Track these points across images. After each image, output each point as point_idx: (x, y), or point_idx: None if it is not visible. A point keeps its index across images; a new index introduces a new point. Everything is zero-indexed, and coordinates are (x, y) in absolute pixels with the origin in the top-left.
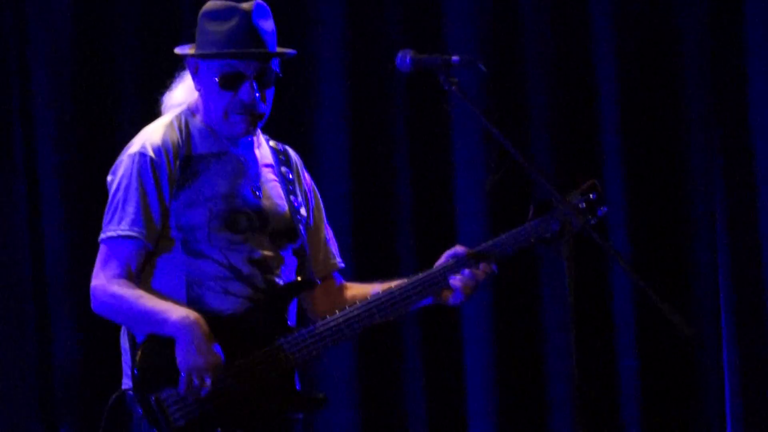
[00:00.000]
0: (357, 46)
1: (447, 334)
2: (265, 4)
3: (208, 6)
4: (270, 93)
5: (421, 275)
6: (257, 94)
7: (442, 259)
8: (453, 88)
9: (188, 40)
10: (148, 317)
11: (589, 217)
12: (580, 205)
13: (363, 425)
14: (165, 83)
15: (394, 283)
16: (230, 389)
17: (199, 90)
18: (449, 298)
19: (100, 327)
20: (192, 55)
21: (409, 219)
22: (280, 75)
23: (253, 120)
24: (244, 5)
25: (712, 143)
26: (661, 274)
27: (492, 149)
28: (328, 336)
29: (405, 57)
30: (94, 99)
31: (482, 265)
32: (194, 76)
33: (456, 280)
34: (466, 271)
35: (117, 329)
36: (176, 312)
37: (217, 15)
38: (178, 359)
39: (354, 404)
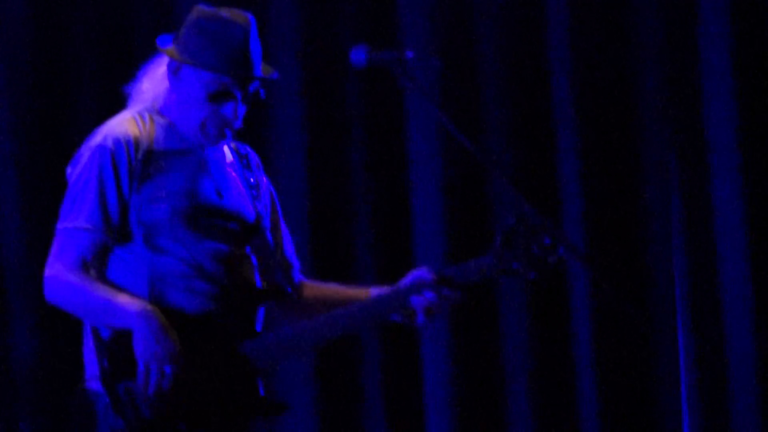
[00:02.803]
0: (311, 42)
1: (405, 332)
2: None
3: (203, 12)
4: (246, 110)
5: (385, 293)
6: (239, 113)
7: (407, 279)
8: (408, 83)
9: (146, 36)
10: (102, 308)
11: (540, 268)
12: (533, 250)
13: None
14: (123, 75)
15: (354, 291)
16: (195, 388)
17: (175, 91)
18: (414, 318)
19: (60, 321)
20: (180, 59)
21: (365, 215)
22: (263, 97)
23: (226, 134)
24: (240, 19)
25: (666, 137)
26: (617, 268)
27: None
28: (294, 344)
29: (360, 53)
30: (51, 91)
31: (446, 291)
32: (172, 76)
33: (419, 302)
34: (430, 294)
35: (77, 324)
36: (132, 303)
37: (214, 26)
38: (136, 350)
39: (311, 411)
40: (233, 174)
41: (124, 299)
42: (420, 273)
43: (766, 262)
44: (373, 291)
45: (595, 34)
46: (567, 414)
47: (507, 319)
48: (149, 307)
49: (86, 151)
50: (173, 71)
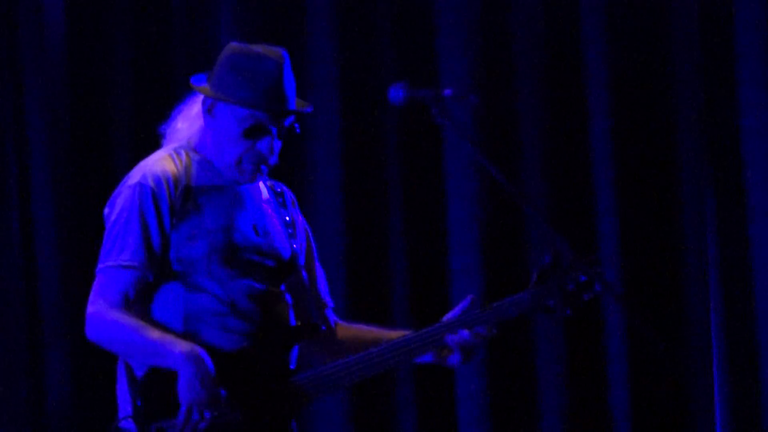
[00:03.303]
0: (349, 79)
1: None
2: (287, 54)
3: (236, 49)
4: (281, 145)
5: (420, 332)
6: (275, 148)
7: (446, 318)
8: (446, 121)
9: (182, 75)
10: (150, 348)
11: (575, 305)
12: (569, 287)
13: None
14: (158, 114)
15: (389, 333)
16: (229, 428)
17: (210, 128)
18: (447, 358)
19: (93, 360)
20: (215, 96)
21: (402, 253)
22: (298, 132)
23: (262, 170)
24: (273, 54)
25: (704, 173)
26: (653, 306)
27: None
28: (329, 382)
29: (398, 90)
30: (89, 129)
31: (481, 329)
32: (207, 114)
33: (454, 340)
34: (465, 332)
35: (110, 363)
36: (180, 345)
37: (247, 61)
38: (180, 392)
39: None
40: (269, 211)
41: (171, 340)
42: (461, 309)
43: None
44: (408, 334)
45: (633, 69)
46: None
47: (542, 356)
48: (197, 349)
49: (125, 189)
50: (208, 109)
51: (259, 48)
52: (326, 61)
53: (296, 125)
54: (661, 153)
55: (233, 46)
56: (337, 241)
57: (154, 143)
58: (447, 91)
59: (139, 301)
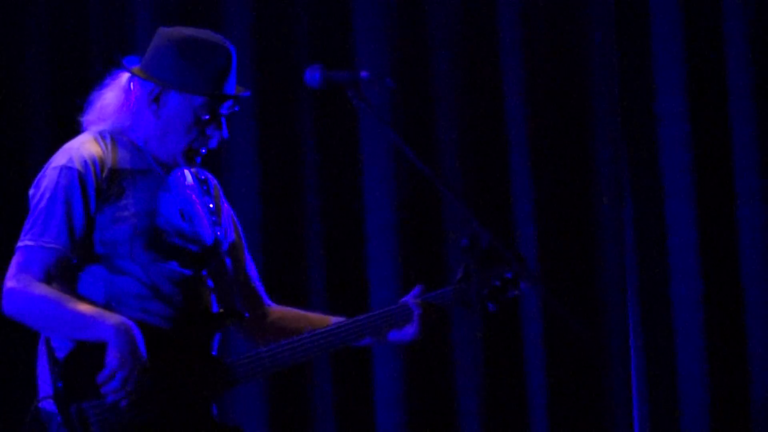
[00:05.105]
0: (264, 62)
1: (357, 356)
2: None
3: (178, 35)
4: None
5: (358, 319)
6: (224, 132)
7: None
8: (362, 103)
9: (97, 57)
10: (79, 320)
11: (500, 301)
12: (494, 284)
13: None
14: (75, 100)
15: (317, 317)
16: (149, 408)
17: (155, 116)
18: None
19: (13, 339)
20: (167, 86)
21: (318, 236)
22: (237, 110)
23: (203, 153)
24: (220, 42)
25: (620, 155)
26: (569, 288)
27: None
28: (252, 368)
29: (314, 72)
30: (3, 112)
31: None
32: (152, 102)
33: (418, 309)
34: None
35: (28, 344)
36: (111, 317)
37: (199, 50)
38: (108, 358)
39: None
40: (193, 197)
41: (101, 312)
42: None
43: (718, 280)
44: (334, 319)
45: (547, 54)
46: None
47: (459, 338)
48: (128, 322)
49: (51, 171)
50: (155, 97)
51: (201, 34)
52: (242, 42)
53: (236, 107)
54: (576, 134)
55: (173, 32)
56: (252, 224)
57: (71, 125)
58: (363, 74)
59: (61, 280)
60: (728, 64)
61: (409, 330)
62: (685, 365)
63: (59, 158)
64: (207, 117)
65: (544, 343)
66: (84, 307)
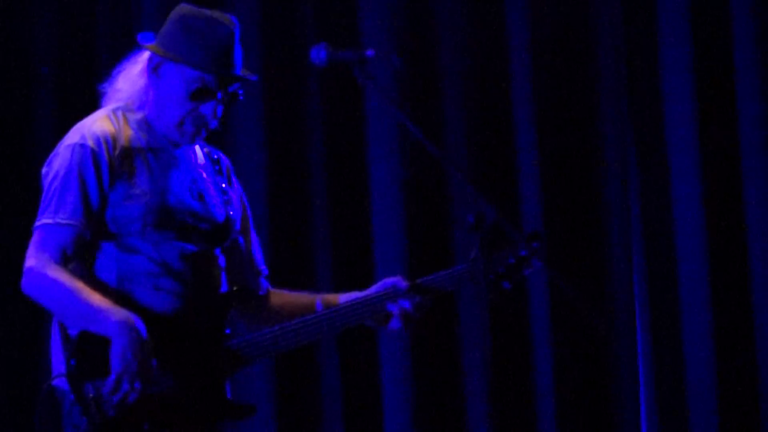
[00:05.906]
0: (270, 41)
1: (364, 347)
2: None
3: (188, 11)
4: (223, 111)
5: (360, 299)
6: (218, 112)
7: (378, 286)
8: (368, 82)
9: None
10: (85, 313)
11: (514, 279)
12: (509, 261)
13: None
14: (81, 78)
15: (323, 297)
16: (162, 389)
17: (154, 87)
18: (389, 322)
19: (28, 318)
20: (164, 55)
21: (324, 214)
22: (242, 98)
23: (202, 133)
24: (226, 20)
25: (626, 136)
26: (575, 269)
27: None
28: (264, 347)
29: (320, 51)
30: (11, 92)
31: (420, 299)
32: (152, 73)
33: (395, 309)
34: (405, 302)
35: (41, 326)
36: (116, 314)
37: (199, 24)
38: (112, 361)
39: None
40: (204, 175)
41: (108, 308)
42: (394, 281)
43: (724, 263)
44: (341, 298)
45: (554, 33)
46: (525, 416)
47: (466, 320)
48: (133, 318)
49: (64, 150)
50: (154, 67)
51: (211, 12)
52: (248, 21)
53: (240, 92)
54: (583, 113)
55: (185, 7)
56: (258, 203)
57: (80, 103)
58: (369, 52)
59: (77, 258)
60: (734, 41)
61: (393, 324)
62: (692, 345)
63: (72, 136)
64: (200, 93)
65: (550, 325)
66: (93, 299)
